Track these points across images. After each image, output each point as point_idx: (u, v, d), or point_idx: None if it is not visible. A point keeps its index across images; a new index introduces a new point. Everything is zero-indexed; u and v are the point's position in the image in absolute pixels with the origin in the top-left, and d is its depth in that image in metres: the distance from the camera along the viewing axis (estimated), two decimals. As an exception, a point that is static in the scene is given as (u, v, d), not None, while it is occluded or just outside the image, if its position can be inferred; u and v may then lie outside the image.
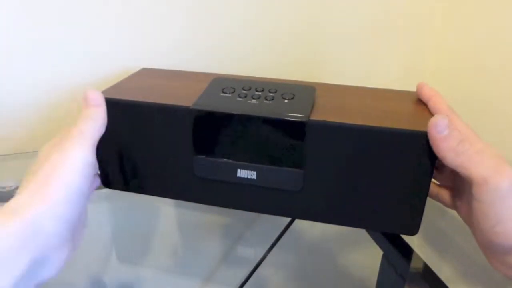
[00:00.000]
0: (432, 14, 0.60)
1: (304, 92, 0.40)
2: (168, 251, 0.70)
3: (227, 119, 0.37)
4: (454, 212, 0.40)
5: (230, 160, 0.38)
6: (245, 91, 0.39)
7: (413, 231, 0.39)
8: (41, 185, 0.31)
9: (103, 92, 0.40)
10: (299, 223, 0.56)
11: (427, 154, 0.34)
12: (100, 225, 0.63)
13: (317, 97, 0.40)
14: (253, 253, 0.64)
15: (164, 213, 0.66)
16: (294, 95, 0.39)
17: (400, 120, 0.36)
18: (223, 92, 0.39)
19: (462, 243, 0.58)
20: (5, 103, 0.51)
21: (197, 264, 0.73)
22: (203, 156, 0.39)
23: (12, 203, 0.30)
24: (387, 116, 0.36)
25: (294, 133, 0.36)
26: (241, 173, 0.39)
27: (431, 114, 0.36)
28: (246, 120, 0.36)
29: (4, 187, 0.47)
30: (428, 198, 0.39)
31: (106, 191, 0.44)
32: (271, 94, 0.39)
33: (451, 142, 0.31)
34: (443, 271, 0.62)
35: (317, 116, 0.36)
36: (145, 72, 0.47)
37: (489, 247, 0.33)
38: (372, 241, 0.50)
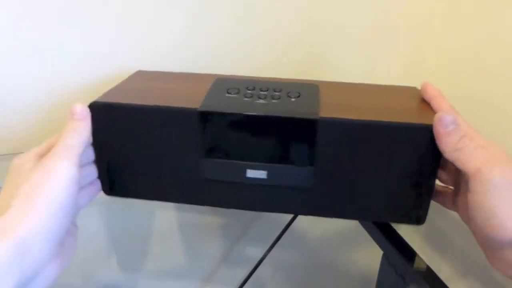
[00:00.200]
0: (432, 14, 0.60)
1: (309, 90, 0.40)
2: (168, 252, 0.70)
3: (237, 120, 0.37)
4: (454, 213, 0.40)
5: (239, 161, 0.38)
6: (250, 91, 0.39)
7: (420, 221, 0.39)
8: (26, 202, 0.31)
9: (103, 96, 0.40)
10: (299, 223, 0.56)
11: (433, 146, 0.35)
12: (100, 227, 0.63)
13: (321, 95, 0.40)
14: (253, 253, 0.64)
15: (164, 214, 0.66)
16: (299, 93, 0.39)
17: (406, 114, 0.37)
18: (228, 93, 0.39)
19: (462, 243, 0.58)
20: (5, 103, 0.51)
21: (197, 264, 0.73)
22: (212, 158, 0.38)
23: None
24: (392, 111, 0.38)
25: (305, 131, 0.36)
26: (251, 173, 0.38)
27: (433, 109, 0.38)
28: (257, 120, 0.36)
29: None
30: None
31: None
32: (276, 93, 0.39)
33: (453, 137, 0.33)
34: (443, 271, 0.62)
35: (326, 113, 0.36)
36: (142, 75, 0.47)
37: (486, 243, 0.33)
38: (372, 241, 0.50)
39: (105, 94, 0.40)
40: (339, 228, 0.75)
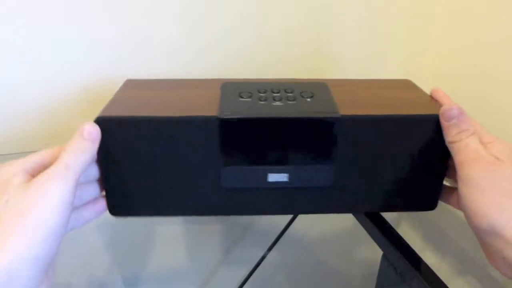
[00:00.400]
0: (432, 15, 0.60)
1: (320, 89, 0.40)
2: (168, 252, 0.70)
3: (259, 124, 0.36)
4: (453, 213, 0.40)
5: (260, 166, 0.38)
6: (262, 94, 0.38)
7: (433, 206, 0.42)
8: (13, 224, 0.28)
9: (107, 109, 0.37)
10: (299, 223, 0.56)
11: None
12: (99, 227, 0.63)
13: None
14: (253, 253, 0.64)
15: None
16: (312, 93, 0.39)
17: (417, 106, 0.39)
18: (241, 97, 0.38)
19: (462, 243, 0.58)
20: (4, 103, 0.51)
21: (197, 265, 0.73)
22: (232, 166, 0.37)
23: None
24: (402, 103, 0.40)
25: (327, 130, 0.37)
26: (272, 177, 0.38)
27: (432, 98, 0.41)
28: (280, 123, 0.36)
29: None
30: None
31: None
32: (290, 94, 0.39)
33: (452, 130, 0.36)
34: (443, 271, 0.62)
35: (346, 110, 0.37)
36: (135, 84, 0.44)
37: (479, 237, 0.35)
38: (372, 241, 0.50)
39: (108, 108, 0.37)
40: (339, 228, 0.75)
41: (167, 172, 0.38)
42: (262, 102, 0.37)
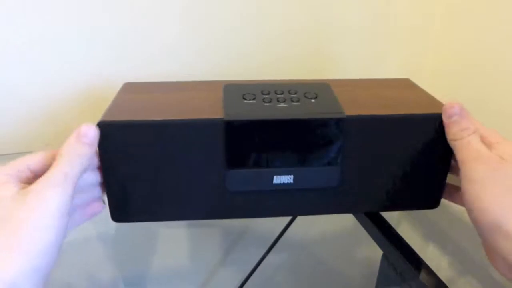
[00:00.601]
0: (432, 16, 0.60)
1: (323, 90, 0.40)
2: (169, 252, 0.70)
3: (265, 126, 0.36)
4: (454, 213, 0.40)
5: (265, 168, 0.38)
6: (266, 96, 0.38)
7: (435, 205, 0.42)
8: (14, 236, 0.27)
9: (108, 114, 0.36)
10: (299, 224, 0.56)
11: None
12: (98, 229, 0.63)
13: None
14: (253, 253, 0.64)
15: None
16: (316, 94, 0.39)
17: (420, 105, 0.39)
18: (245, 99, 0.38)
19: (462, 243, 0.58)
20: (4, 104, 0.51)
21: (197, 264, 0.73)
22: (237, 169, 0.37)
23: None
24: (406, 103, 0.40)
25: (333, 130, 0.37)
26: (278, 179, 0.38)
27: (433, 97, 0.41)
28: (286, 124, 0.36)
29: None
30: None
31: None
32: (293, 95, 0.39)
33: (453, 127, 0.36)
34: (443, 271, 0.62)
35: (351, 111, 0.37)
36: (134, 88, 0.43)
37: (481, 233, 0.34)
38: (372, 241, 0.50)
39: (108, 112, 0.37)
40: (339, 228, 0.75)
41: (171, 176, 0.37)
42: (267, 104, 0.37)
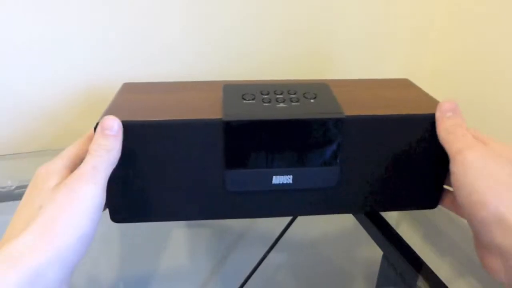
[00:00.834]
0: (432, 15, 0.60)
1: (322, 90, 0.40)
2: (169, 252, 0.70)
3: (265, 127, 0.36)
4: (454, 213, 0.40)
5: (264, 169, 0.38)
6: (265, 96, 0.38)
7: (434, 205, 0.42)
8: (46, 228, 0.29)
9: (106, 114, 0.36)
10: (299, 224, 0.56)
11: None
12: (99, 228, 0.63)
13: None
14: (253, 253, 0.64)
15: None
16: (315, 94, 0.39)
17: (415, 105, 0.39)
18: (244, 99, 0.38)
19: (462, 243, 0.58)
20: (4, 103, 0.51)
21: (197, 264, 0.73)
22: (236, 169, 0.37)
23: (13, 247, 0.28)
24: (405, 103, 0.40)
25: (332, 130, 0.37)
26: (277, 180, 0.38)
27: (431, 97, 0.41)
28: (285, 124, 0.36)
29: (4, 187, 0.47)
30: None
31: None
32: (293, 95, 0.39)
33: (447, 122, 0.36)
34: (443, 271, 0.62)
35: (350, 111, 0.37)
36: (133, 88, 0.43)
37: (476, 228, 0.34)
38: (372, 241, 0.50)
39: (107, 113, 0.36)
40: (339, 228, 0.75)
41: (170, 176, 0.37)
42: (266, 104, 0.37)
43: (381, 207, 0.42)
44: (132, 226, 0.62)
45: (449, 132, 0.36)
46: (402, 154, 0.39)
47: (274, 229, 0.60)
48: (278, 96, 0.38)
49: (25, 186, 0.33)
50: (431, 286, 0.43)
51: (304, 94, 0.39)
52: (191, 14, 0.53)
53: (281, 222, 0.58)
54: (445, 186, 0.41)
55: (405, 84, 0.45)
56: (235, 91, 0.39)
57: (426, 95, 0.42)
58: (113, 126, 0.33)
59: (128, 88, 0.43)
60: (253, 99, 0.38)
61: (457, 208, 0.35)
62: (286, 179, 0.38)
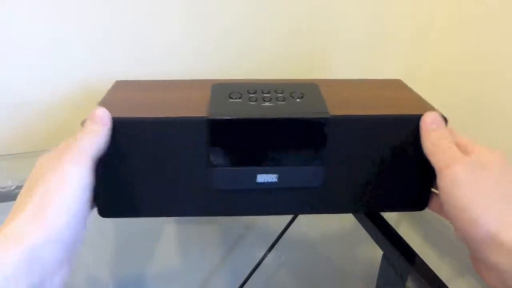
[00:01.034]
0: (432, 16, 0.60)
1: (310, 89, 0.40)
2: (168, 252, 0.70)
3: (248, 125, 0.36)
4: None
5: (249, 167, 0.38)
6: (252, 95, 0.38)
7: (422, 207, 0.41)
8: (38, 209, 0.30)
9: None
10: (299, 224, 0.56)
11: None
12: (99, 228, 0.63)
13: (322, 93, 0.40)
14: (253, 253, 0.64)
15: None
16: (302, 94, 0.39)
17: (408, 106, 0.39)
18: (231, 98, 0.38)
19: (462, 243, 0.58)
20: (4, 103, 0.51)
21: (197, 264, 0.73)
22: (221, 167, 0.38)
23: (8, 230, 0.29)
24: (394, 103, 0.39)
25: (317, 130, 0.37)
26: (261, 178, 0.38)
27: (422, 99, 0.41)
28: (268, 123, 0.36)
29: (4, 187, 0.47)
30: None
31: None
32: (280, 95, 0.39)
33: (432, 134, 0.36)
34: (443, 271, 0.62)
35: (335, 111, 0.37)
36: (124, 86, 0.44)
37: (469, 246, 0.33)
38: (372, 241, 0.50)
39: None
40: (339, 228, 0.75)
41: (156, 173, 0.38)
42: (252, 103, 0.37)
43: (368, 208, 0.42)
44: (131, 227, 0.62)
45: (434, 145, 0.35)
46: (389, 155, 0.38)
47: (274, 229, 0.60)
48: (265, 95, 0.38)
49: (25, 186, 0.33)
50: (431, 286, 0.43)
51: (291, 93, 0.39)
52: (191, 14, 0.53)
53: (281, 222, 0.58)
54: (433, 190, 0.41)
55: (397, 85, 0.45)
56: (223, 90, 0.39)
57: (417, 96, 0.42)
58: (104, 117, 0.35)
59: (120, 86, 0.44)
60: (239, 97, 0.38)
61: (446, 212, 0.35)
62: (271, 177, 0.38)
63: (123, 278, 0.70)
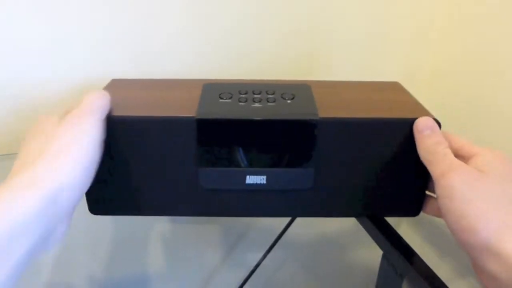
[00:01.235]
0: (432, 16, 0.60)
1: (302, 91, 0.40)
2: (168, 252, 0.70)
3: (235, 126, 0.36)
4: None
5: (237, 168, 0.37)
6: (243, 95, 0.38)
7: (416, 213, 0.40)
8: (55, 158, 0.31)
9: None
10: (298, 224, 0.56)
11: None
12: (99, 228, 0.63)
13: (314, 94, 0.40)
14: (253, 253, 0.64)
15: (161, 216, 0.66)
16: (294, 95, 0.39)
17: (401, 109, 0.38)
18: (221, 98, 0.38)
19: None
20: (4, 103, 0.51)
21: (197, 264, 0.73)
22: (210, 167, 0.37)
23: (32, 172, 0.30)
24: (387, 106, 0.39)
25: (306, 132, 0.36)
26: (250, 179, 0.38)
27: (418, 102, 0.40)
28: (256, 124, 0.36)
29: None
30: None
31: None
32: (270, 96, 0.38)
33: (427, 141, 0.35)
34: (443, 271, 0.62)
35: (325, 113, 0.36)
36: (119, 84, 0.44)
37: (467, 252, 0.33)
38: (372, 241, 0.50)
39: None
40: (338, 228, 0.75)
41: (146, 172, 0.38)
42: (242, 104, 0.37)
43: (360, 212, 0.41)
44: (131, 227, 0.62)
45: (429, 152, 0.35)
46: (380, 159, 0.38)
47: (274, 229, 0.60)
48: (255, 96, 0.38)
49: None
50: (431, 286, 0.43)
51: (282, 94, 0.39)
52: (191, 14, 0.53)
53: (281, 222, 0.58)
54: (428, 193, 0.40)
55: (394, 88, 0.44)
56: (214, 90, 0.39)
57: (412, 99, 0.41)
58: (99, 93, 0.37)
59: (115, 84, 0.44)
60: (230, 98, 0.38)
61: (444, 218, 0.34)
62: (260, 179, 0.38)
63: (123, 278, 0.70)
